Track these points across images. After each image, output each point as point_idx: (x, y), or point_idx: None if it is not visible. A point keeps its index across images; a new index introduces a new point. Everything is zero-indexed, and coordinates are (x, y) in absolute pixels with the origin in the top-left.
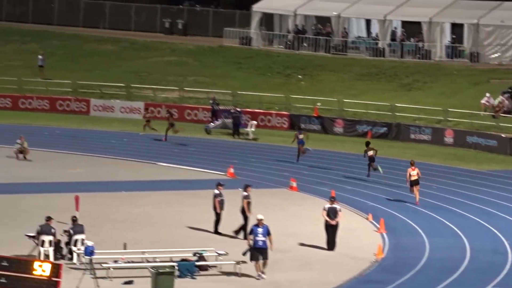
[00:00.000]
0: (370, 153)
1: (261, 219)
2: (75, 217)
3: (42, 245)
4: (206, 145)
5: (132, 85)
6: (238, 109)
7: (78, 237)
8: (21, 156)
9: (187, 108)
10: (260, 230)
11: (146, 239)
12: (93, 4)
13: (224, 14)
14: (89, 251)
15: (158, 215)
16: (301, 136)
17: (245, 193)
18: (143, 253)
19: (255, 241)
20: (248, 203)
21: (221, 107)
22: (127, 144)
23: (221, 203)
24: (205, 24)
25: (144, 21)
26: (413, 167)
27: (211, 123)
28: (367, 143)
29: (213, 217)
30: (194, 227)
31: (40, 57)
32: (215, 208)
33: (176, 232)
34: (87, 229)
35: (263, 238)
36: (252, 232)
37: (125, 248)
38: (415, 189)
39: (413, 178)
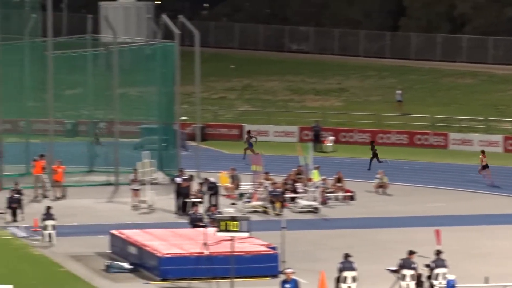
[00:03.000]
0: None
1: None
2: (439, 251)
3: (403, 279)
4: None
5: (491, 119)
6: None
7: (440, 271)
8: (380, 190)
9: None
10: None
11: (508, 273)
12: (450, 38)
13: None
14: (450, 285)
15: None
16: (252, 140)
17: None
18: (505, 287)
19: None
20: None
21: None
22: (484, 177)
23: None
24: None
25: (502, 54)
26: (484, 155)
27: None
28: (372, 142)
29: None
30: None
31: (398, 92)
32: None
33: None
34: (447, 263)
35: None
36: None
37: (486, 282)
38: (487, 172)
39: (484, 164)
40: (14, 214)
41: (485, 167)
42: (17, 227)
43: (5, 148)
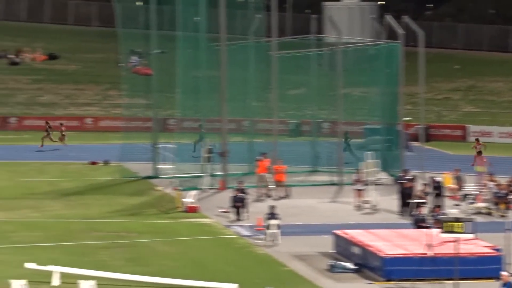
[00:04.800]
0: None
1: None
2: None
3: None
4: None
5: None
6: None
7: None
8: None
9: None
10: None
11: None
12: None
13: None
14: None
15: None
16: None
17: None
18: None
19: None
20: None
21: None
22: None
23: None
24: None
25: None
26: (478, 143)
27: None
28: (346, 133)
29: None
30: None
31: None
32: None
33: None
34: None
35: None
36: None
37: None
38: (483, 158)
39: (477, 150)
40: (238, 213)
41: (479, 153)
42: (241, 226)
43: (229, 147)
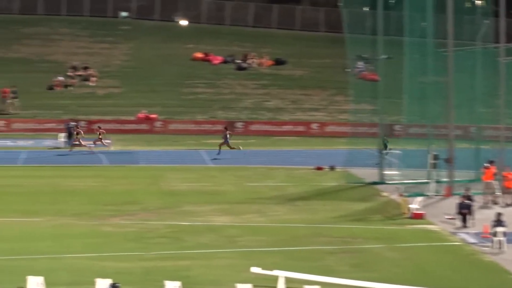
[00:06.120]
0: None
1: None
2: None
3: None
4: None
5: None
6: None
7: None
8: None
9: None
10: None
11: None
12: None
13: None
14: None
15: None
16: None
17: None
18: None
19: None
20: None
21: None
22: None
23: None
24: None
25: None
26: None
27: None
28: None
29: None
30: None
31: None
32: None
33: None
34: None
35: None
36: None
37: None
38: None
39: None
40: (464, 220)
41: None
42: (467, 233)
43: (456, 153)
